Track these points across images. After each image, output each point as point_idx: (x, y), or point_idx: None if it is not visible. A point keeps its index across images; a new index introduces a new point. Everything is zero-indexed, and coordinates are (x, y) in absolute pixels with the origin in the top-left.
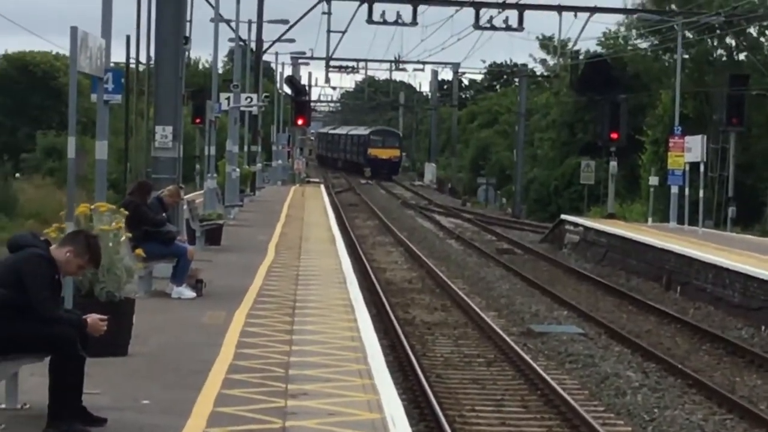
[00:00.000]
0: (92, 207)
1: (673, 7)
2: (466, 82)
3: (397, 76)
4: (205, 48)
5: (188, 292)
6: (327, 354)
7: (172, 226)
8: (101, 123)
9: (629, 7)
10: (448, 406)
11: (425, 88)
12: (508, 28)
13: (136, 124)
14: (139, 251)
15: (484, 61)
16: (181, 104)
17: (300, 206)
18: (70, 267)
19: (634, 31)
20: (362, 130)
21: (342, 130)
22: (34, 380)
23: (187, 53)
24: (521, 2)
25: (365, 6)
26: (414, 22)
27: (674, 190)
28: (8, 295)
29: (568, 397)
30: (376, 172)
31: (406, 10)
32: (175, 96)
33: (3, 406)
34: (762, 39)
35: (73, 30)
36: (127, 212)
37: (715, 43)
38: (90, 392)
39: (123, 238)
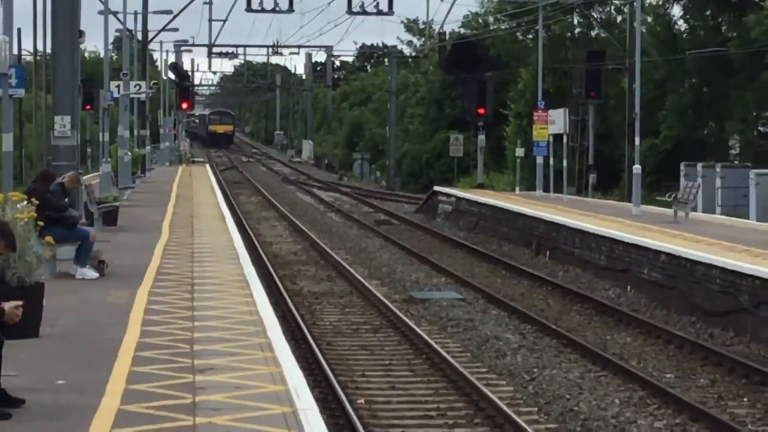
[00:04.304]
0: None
1: None
2: (338, 63)
3: (275, 59)
4: (91, 39)
5: (91, 273)
6: (228, 329)
7: (74, 210)
8: (6, 117)
9: None
10: (340, 372)
11: (300, 71)
12: (379, 13)
13: (32, 112)
14: (49, 239)
15: (355, 43)
16: (77, 95)
17: (188, 186)
18: None
19: (491, 17)
20: (204, 111)
21: (196, 112)
22: None
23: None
24: None
25: None
26: (291, 10)
27: (539, 160)
28: None
29: (453, 360)
30: (215, 143)
31: None
32: (72, 87)
33: None
34: (618, 15)
35: None
36: (36, 201)
37: (575, 22)
38: (7, 374)
39: (31, 225)
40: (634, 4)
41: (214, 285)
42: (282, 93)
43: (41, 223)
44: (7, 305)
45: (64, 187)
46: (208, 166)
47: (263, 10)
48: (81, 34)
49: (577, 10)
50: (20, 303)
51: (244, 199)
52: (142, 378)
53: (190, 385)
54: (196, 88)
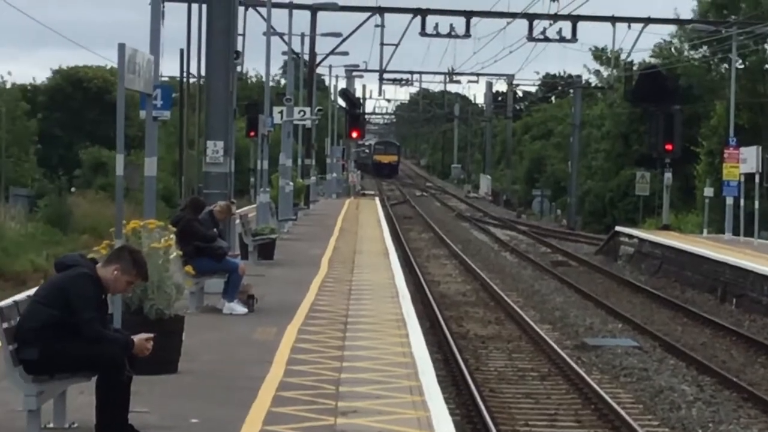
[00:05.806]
0: (141, 224)
1: (729, 16)
2: (520, 93)
3: (451, 88)
4: (259, 61)
5: (240, 308)
6: (378, 370)
7: (223, 241)
8: (150, 139)
9: (683, 17)
10: (502, 421)
11: (479, 100)
12: (562, 40)
13: (189, 136)
14: (189, 268)
15: (537, 73)
16: (233, 119)
17: (354, 219)
18: (119, 285)
19: (686, 44)
20: (371, 141)
21: (366, 142)
22: (82, 399)
23: (238, 67)
24: (574, 13)
25: (418, 18)
26: (467, 35)
27: (729, 201)
28: (56, 315)
29: (623, 412)
30: (379, 172)
31: (459, 22)
32: (226, 111)
33: (51, 425)
34: None
35: (121, 47)
36: (176, 228)
37: None
38: (138, 411)
39: (173, 255)
40: None
41: (369, 324)
42: (460, 124)
43: (179, 253)
44: (137, 338)
45: (213, 216)
46: (377, 200)
47: (438, 35)
48: (237, 55)
49: None
50: (151, 336)
51: (415, 235)
52: (281, 419)
53: (330, 428)
54: (368, 116)
